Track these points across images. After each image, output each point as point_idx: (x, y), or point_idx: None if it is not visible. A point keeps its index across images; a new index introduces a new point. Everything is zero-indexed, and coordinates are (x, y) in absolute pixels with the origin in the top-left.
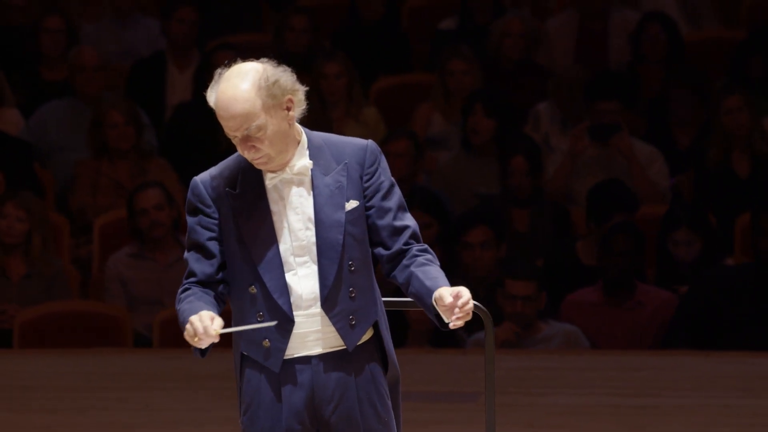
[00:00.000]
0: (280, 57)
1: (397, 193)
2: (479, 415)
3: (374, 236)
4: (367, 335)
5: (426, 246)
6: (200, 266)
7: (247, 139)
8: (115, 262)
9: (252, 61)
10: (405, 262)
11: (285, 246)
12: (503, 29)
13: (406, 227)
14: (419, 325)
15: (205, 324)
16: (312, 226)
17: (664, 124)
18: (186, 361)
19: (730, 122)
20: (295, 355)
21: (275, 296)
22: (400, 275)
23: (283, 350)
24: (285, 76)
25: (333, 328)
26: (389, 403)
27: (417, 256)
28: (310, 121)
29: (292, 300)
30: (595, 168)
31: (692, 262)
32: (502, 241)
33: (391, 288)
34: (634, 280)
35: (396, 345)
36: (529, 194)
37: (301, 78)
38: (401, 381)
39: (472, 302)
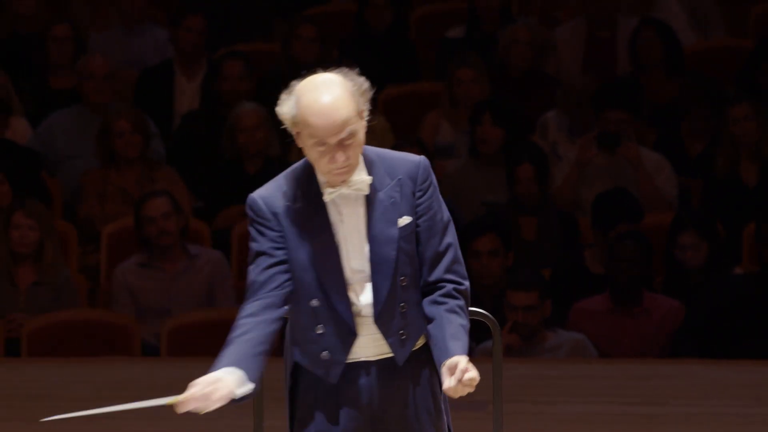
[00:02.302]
0: (287, 66)
1: (446, 213)
2: (487, 424)
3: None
4: (421, 341)
5: (464, 286)
6: (267, 276)
7: (340, 145)
8: (122, 271)
9: (329, 72)
10: (438, 298)
11: (346, 260)
12: (511, 37)
13: (448, 255)
14: None
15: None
16: (366, 242)
17: (673, 133)
18: (194, 370)
19: (739, 131)
20: (351, 361)
21: (340, 309)
22: (428, 307)
23: (343, 363)
24: (367, 85)
25: (379, 344)
26: (443, 407)
27: (451, 298)
28: None
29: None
30: (603, 176)
31: (699, 269)
32: (509, 250)
33: None
34: (641, 288)
35: None
36: (536, 202)
37: None
38: None
39: (475, 378)
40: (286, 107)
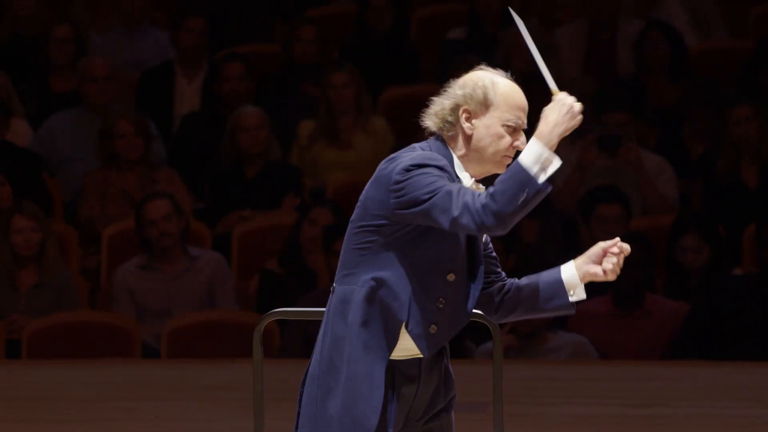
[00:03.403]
0: (288, 67)
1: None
2: (488, 426)
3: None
4: None
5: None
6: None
7: (521, 138)
8: (123, 273)
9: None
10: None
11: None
12: (512, 39)
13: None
14: None
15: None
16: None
17: (675, 135)
18: (194, 372)
19: (739, 132)
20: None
21: (469, 290)
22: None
23: (443, 342)
24: None
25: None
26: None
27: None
28: (316, 129)
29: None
30: (604, 179)
31: (700, 271)
32: (510, 252)
33: None
34: (642, 290)
35: None
36: (538, 205)
37: (309, 88)
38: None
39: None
40: (477, 90)
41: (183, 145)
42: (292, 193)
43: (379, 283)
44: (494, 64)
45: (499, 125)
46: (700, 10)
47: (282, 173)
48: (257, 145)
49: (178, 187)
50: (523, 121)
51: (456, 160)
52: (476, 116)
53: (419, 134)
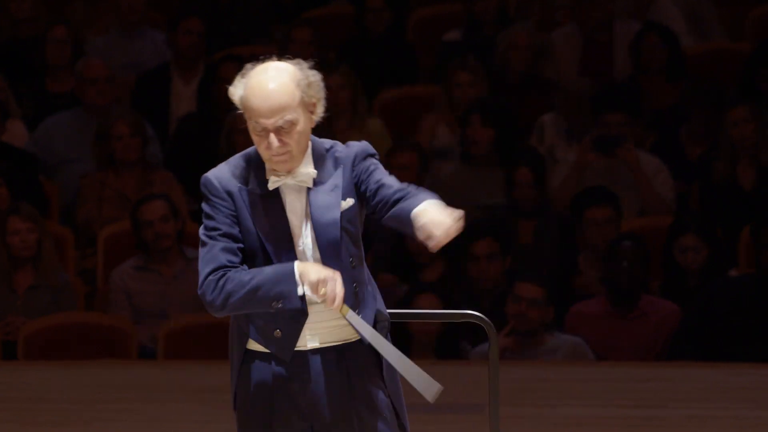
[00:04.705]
0: None
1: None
2: (484, 427)
3: (374, 198)
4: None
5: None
6: (227, 256)
7: (278, 131)
8: (120, 274)
9: (284, 60)
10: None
11: (293, 243)
12: (509, 41)
13: (395, 184)
14: (423, 337)
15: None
16: (309, 228)
17: (672, 136)
18: (191, 373)
19: (737, 134)
20: (298, 349)
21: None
22: (394, 211)
23: (295, 341)
24: (317, 79)
25: (335, 323)
26: (385, 398)
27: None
28: (313, 132)
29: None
30: (601, 180)
31: (697, 272)
32: (507, 253)
33: (394, 300)
34: (639, 291)
35: None
36: (534, 206)
37: None
38: (404, 389)
39: (452, 226)
40: (237, 89)
41: (180, 147)
42: None
43: None
44: (491, 66)
45: (252, 131)
46: (698, 12)
47: None
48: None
49: (174, 188)
50: (267, 123)
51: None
52: (247, 119)
53: (415, 135)
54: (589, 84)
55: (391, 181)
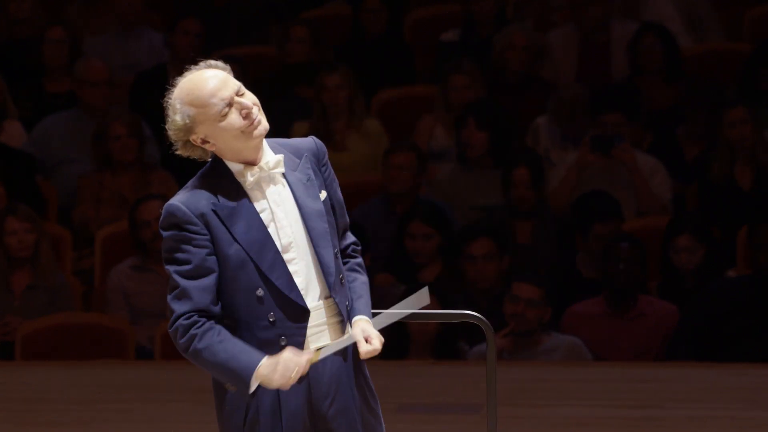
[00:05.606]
0: (282, 68)
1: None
2: (482, 427)
3: None
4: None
5: (361, 260)
6: (201, 296)
7: (242, 99)
8: (117, 275)
9: None
10: (350, 263)
11: (278, 242)
12: (506, 42)
13: (348, 226)
14: (421, 337)
15: (301, 359)
16: (298, 219)
17: (669, 137)
18: (188, 374)
19: (734, 135)
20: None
21: (286, 292)
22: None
23: (302, 343)
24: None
25: (332, 321)
26: (375, 392)
27: (354, 259)
28: (311, 132)
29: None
30: (598, 180)
31: (694, 272)
32: (504, 254)
33: (392, 300)
34: (636, 291)
35: (398, 357)
36: (532, 206)
37: (303, 90)
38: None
39: (377, 347)
40: (179, 116)
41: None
42: None
43: None
44: (488, 67)
45: (219, 123)
46: (695, 13)
47: None
48: None
49: (172, 188)
50: (226, 93)
51: (231, 165)
52: (204, 135)
53: (413, 136)
54: (587, 84)
55: (344, 219)
